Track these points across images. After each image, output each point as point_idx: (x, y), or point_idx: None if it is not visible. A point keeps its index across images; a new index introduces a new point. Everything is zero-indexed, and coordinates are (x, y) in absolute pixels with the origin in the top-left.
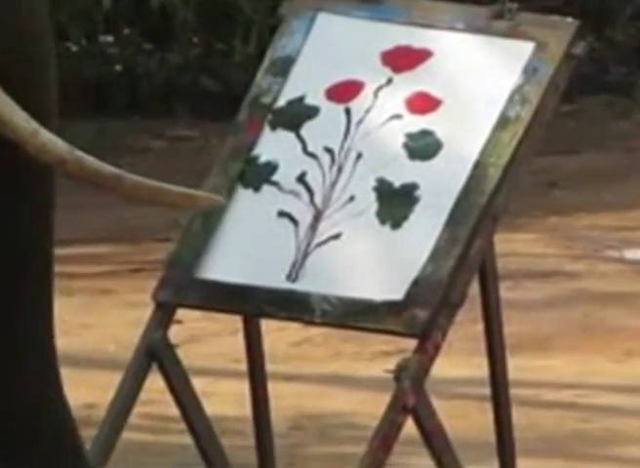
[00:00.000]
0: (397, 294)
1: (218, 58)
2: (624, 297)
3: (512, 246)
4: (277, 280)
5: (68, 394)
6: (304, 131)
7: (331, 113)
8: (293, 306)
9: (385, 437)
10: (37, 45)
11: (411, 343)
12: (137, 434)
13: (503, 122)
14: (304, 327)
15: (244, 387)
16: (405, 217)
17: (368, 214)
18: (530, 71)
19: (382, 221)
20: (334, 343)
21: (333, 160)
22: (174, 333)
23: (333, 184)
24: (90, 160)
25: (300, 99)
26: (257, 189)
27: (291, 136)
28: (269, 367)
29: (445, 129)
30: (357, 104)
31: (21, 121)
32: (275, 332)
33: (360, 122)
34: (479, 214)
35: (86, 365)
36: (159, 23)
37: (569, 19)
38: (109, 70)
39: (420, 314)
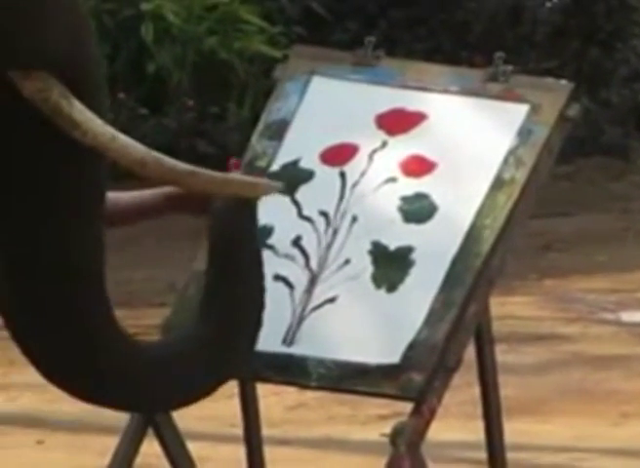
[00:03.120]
0: (393, 358)
1: (212, 121)
2: (620, 360)
3: (507, 308)
4: (273, 344)
5: (66, 459)
6: (299, 194)
7: (326, 176)
8: (289, 370)
9: None
10: (91, 45)
11: (406, 406)
12: None
13: (498, 184)
14: (300, 390)
15: (240, 451)
16: (400, 281)
17: (363, 278)
18: (524, 134)
19: (378, 285)
20: (329, 407)
21: (328, 223)
22: None
23: (328, 248)
24: (166, 159)
25: (295, 163)
26: None
27: (286, 199)
28: (265, 431)
29: (440, 192)
30: (352, 168)
31: (99, 128)
32: (271, 396)
33: (355, 185)
34: (475, 276)
35: (83, 430)
36: (154, 88)
37: (563, 82)
38: None
39: (416, 378)
